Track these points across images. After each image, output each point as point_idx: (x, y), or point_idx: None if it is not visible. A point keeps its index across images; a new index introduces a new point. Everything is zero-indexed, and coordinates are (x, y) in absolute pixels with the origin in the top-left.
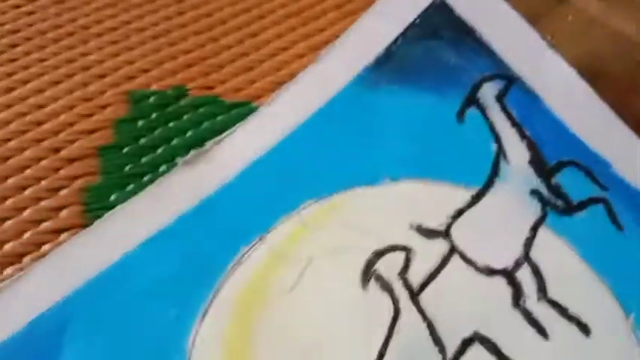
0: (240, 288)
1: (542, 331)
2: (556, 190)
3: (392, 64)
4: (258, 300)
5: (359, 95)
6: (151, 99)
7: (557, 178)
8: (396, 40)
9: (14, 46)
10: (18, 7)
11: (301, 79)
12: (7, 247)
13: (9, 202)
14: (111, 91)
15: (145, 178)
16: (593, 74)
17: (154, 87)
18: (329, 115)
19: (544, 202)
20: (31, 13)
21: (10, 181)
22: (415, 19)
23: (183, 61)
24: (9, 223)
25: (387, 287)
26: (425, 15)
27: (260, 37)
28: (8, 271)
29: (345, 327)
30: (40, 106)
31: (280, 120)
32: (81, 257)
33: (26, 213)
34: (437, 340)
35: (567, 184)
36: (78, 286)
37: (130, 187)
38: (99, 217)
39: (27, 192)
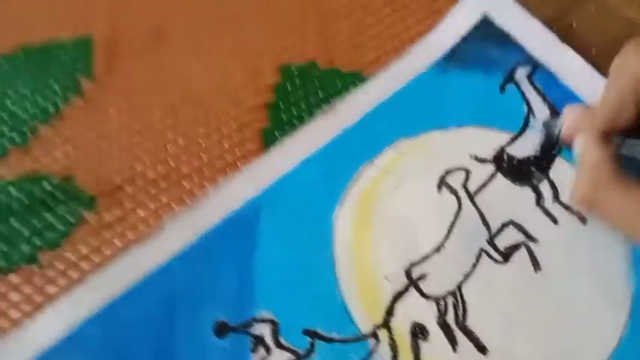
0: (362, 188)
1: (554, 220)
2: None
3: (457, 57)
4: (373, 195)
5: (436, 76)
6: (294, 70)
7: None
8: (460, 41)
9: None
10: None
11: (398, 62)
12: (217, 163)
13: (214, 136)
14: (267, 64)
15: (296, 123)
16: (604, 51)
17: (296, 62)
18: (416, 86)
19: None
20: None
21: (213, 123)
22: (471, 29)
23: (313, 42)
24: (216, 151)
25: (453, 191)
26: (477, 25)
27: (364, 22)
28: (220, 178)
29: (427, 214)
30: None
31: (383, 87)
32: (265, 170)
33: (226, 143)
34: (485, 223)
35: None
36: (265, 187)
37: (287, 129)
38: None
39: (224, 130)
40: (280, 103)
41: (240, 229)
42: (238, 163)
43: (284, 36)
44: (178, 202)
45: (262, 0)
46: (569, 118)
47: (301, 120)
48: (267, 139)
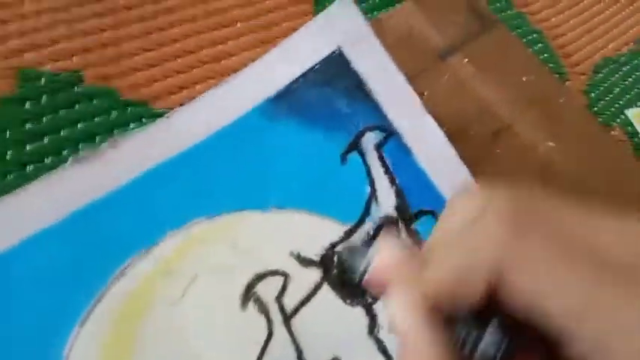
0: (122, 299)
1: (389, 359)
2: (413, 236)
3: (290, 101)
4: (140, 311)
5: (257, 124)
6: (43, 81)
7: (417, 225)
8: (297, 80)
9: None
10: None
11: (205, 98)
12: None
13: None
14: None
15: (29, 168)
16: (457, 133)
17: (47, 67)
18: (227, 137)
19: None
20: None
21: None
22: (315, 65)
23: (80, 44)
24: None
25: (263, 310)
26: (324, 62)
27: (166, 32)
28: None
29: (222, 343)
30: None
31: (180, 135)
32: None
33: None
34: None
35: (424, 231)
36: None
37: (11, 176)
38: None
39: None
40: (5, 130)
41: None
42: None
43: (36, 26)
44: None
45: None
46: (382, 259)
47: (39, 163)
48: None
